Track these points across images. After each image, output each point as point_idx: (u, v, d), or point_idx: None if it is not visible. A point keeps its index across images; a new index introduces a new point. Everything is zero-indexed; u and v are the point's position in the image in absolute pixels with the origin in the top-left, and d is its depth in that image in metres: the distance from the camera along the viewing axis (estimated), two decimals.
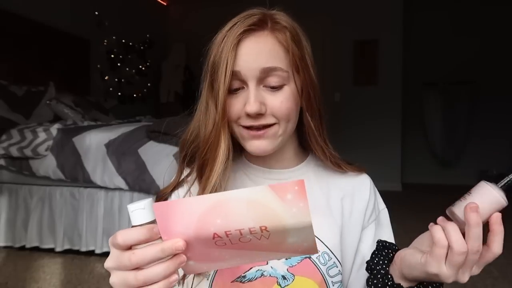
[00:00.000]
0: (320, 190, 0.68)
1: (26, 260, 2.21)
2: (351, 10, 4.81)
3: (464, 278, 0.47)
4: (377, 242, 0.61)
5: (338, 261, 0.64)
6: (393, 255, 0.57)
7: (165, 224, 0.39)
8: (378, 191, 0.74)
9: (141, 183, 2.10)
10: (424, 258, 0.48)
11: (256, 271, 0.61)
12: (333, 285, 0.63)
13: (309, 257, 0.62)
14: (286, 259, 0.62)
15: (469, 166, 5.08)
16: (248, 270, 0.61)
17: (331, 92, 4.81)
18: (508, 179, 0.45)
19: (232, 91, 0.60)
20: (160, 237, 0.40)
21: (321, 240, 0.64)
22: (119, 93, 4.38)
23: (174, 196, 0.68)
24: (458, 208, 0.46)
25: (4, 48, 3.00)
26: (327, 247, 0.64)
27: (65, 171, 2.26)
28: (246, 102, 0.58)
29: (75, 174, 2.24)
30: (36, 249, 2.33)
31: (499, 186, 0.45)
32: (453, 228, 0.46)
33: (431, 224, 0.49)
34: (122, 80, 4.42)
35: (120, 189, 2.20)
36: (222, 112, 0.58)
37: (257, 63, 0.58)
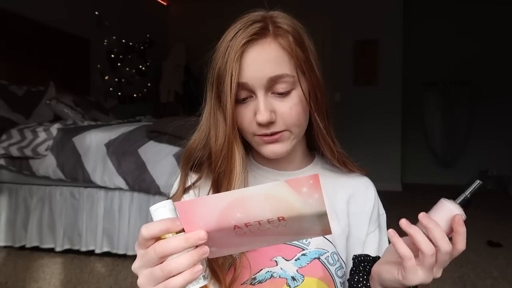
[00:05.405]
0: (325, 192, 0.69)
1: (26, 260, 2.21)
2: (351, 10, 4.82)
3: (438, 274, 0.49)
4: (352, 259, 0.61)
5: (344, 262, 0.65)
6: (370, 267, 0.58)
7: (188, 221, 0.41)
8: (378, 191, 0.74)
9: (141, 183, 2.10)
10: (400, 275, 0.50)
11: (266, 272, 0.61)
12: (341, 286, 0.64)
13: (318, 258, 0.62)
14: (296, 260, 0.62)
15: (469, 166, 5.07)
16: (258, 272, 0.61)
17: (331, 92, 4.81)
18: (464, 195, 0.51)
19: (240, 101, 0.60)
20: (183, 230, 0.42)
21: (330, 241, 0.64)
22: (119, 93, 4.38)
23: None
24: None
25: (4, 48, 3.00)
26: (336, 248, 0.64)
27: (65, 171, 2.26)
28: (256, 111, 0.58)
29: (75, 174, 2.24)
30: (36, 249, 2.33)
31: (457, 202, 0.51)
32: (418, 232, 0.48)
33: (391, 234, 0.51)
34: (122, 80, 4.42)
35: (120, 189, 2.20)
36: (232, 124, 0.58)
37: (264, 73, 0.57)
